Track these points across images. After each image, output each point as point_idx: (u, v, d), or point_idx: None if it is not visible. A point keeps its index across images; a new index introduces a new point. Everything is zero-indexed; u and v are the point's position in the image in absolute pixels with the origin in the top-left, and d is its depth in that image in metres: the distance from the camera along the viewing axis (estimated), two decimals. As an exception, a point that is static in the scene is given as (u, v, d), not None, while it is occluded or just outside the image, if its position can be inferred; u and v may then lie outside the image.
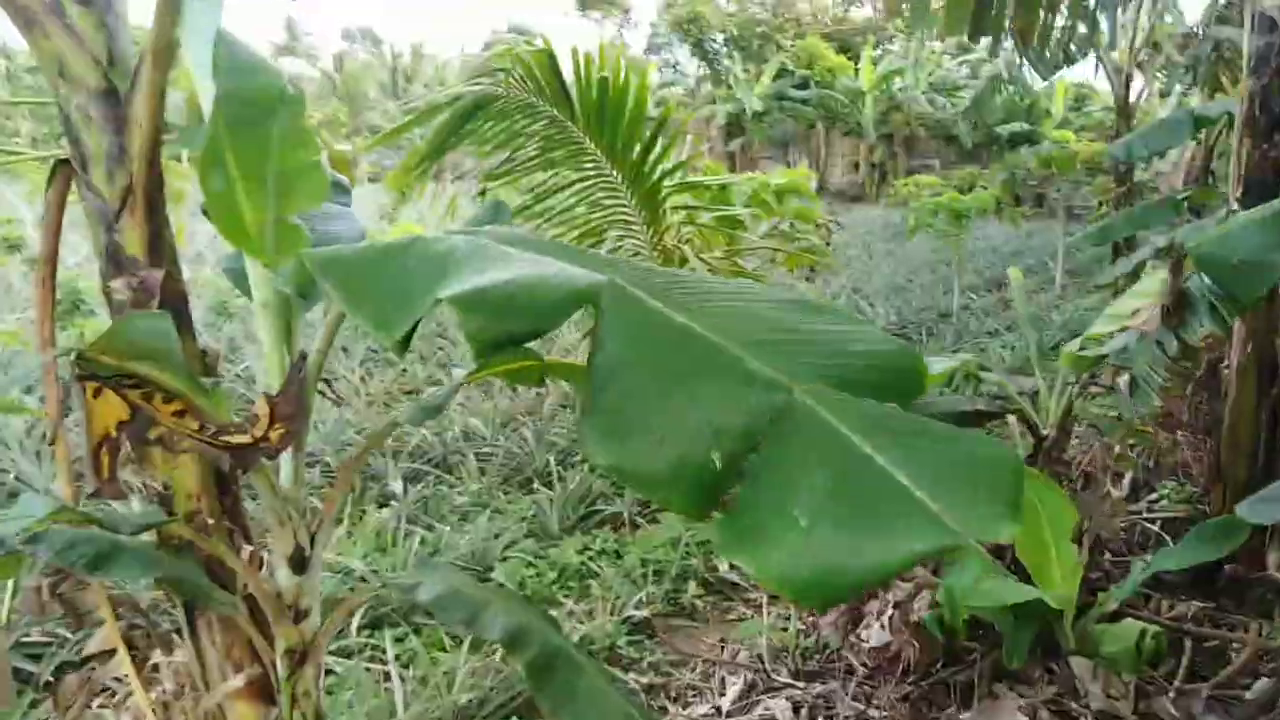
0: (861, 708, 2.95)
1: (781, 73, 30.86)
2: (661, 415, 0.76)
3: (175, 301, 1.77)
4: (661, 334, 0.84)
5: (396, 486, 5.73)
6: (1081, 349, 3.12)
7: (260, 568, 1.93)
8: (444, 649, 3.94)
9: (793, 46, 32.45)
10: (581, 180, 5.65)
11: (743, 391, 0.76)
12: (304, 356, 1.53)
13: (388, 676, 3.63)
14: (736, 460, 0.72)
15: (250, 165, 1.56)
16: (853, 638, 3.17)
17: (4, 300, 11.16)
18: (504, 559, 4.88)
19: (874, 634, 2.93)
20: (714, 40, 34.59)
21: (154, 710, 1.92)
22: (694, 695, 3.58)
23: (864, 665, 2.99)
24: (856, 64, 30.99)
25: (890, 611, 2.94)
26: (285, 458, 1.66)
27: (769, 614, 4.26)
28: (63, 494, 1.81)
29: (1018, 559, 2.84)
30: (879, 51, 32.20)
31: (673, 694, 3.66)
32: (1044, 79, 7.28)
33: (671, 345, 0.82)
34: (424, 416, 1.79)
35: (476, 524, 5.16)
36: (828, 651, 3.47)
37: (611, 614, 4.28)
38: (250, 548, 1.90)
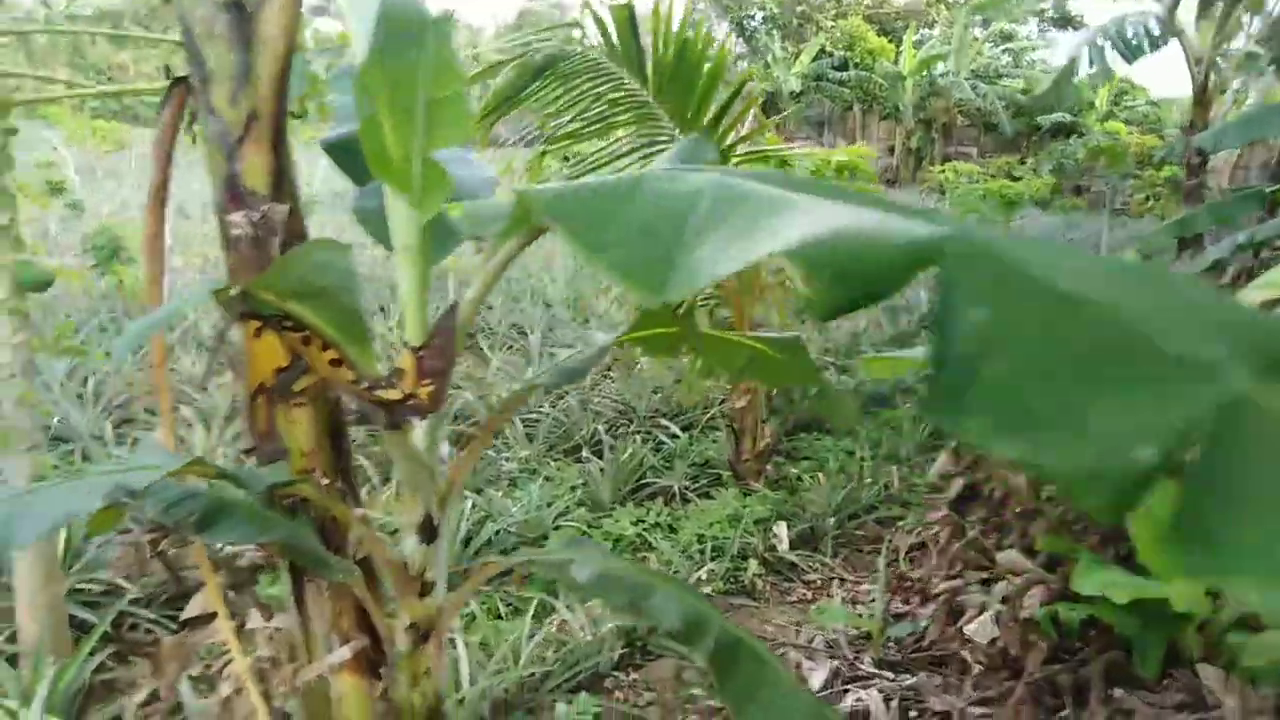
0: (960, 704, 2.82)
1: (821, 53, 30.36)
2: (1071, 405, 0.61)
3: (297, 242, 1.63)
4: (1034, 299, 0.68)
5: (443, 449, 5.59)
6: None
7: (367, 532, 1.80)
8: (500, 616, 3.84)
9: (833, 27, 31.92)
10: (648, 145, 5.47)
11: (1168, 377, 0.61)
12: (454, 306, 1.39)
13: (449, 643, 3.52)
14: (1170, 462, 0.57)
15: (399, 92, 1.40)
16: (950, 630, 3.03)
17: (41, 245, 11.08)
18: (557, 527, 4.77)
19: (981, 629, 2.78)
20: (753, 18, 34.06)
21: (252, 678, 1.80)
22: (764, 681, 3.45)
23: (979, 662, 2.84)
24: (897, 48, 30.45)
25: (998, 606, 2.79)
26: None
27: (837, 599, 4.13)
28: (164, 441, 1.68)
29: (1135, 558, 2.70)
30: (920, 36, 31.64)
31: (740, 678, 3.54)
32: (1129, 63, 7.02)
33: (1052, 314, 0.66)
34: (564, 380, 1.65)
35: (528, 491, 5.04)
36: (911, 641, 3.33)
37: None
38: (362, 511, 1.77)
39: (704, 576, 4.31)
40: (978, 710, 2.75)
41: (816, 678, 3.07)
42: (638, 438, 6.07)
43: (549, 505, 4.95)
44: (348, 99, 1.83)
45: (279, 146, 1.59)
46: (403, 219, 1.47)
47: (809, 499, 5.22)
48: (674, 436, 6.20)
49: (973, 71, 29.15)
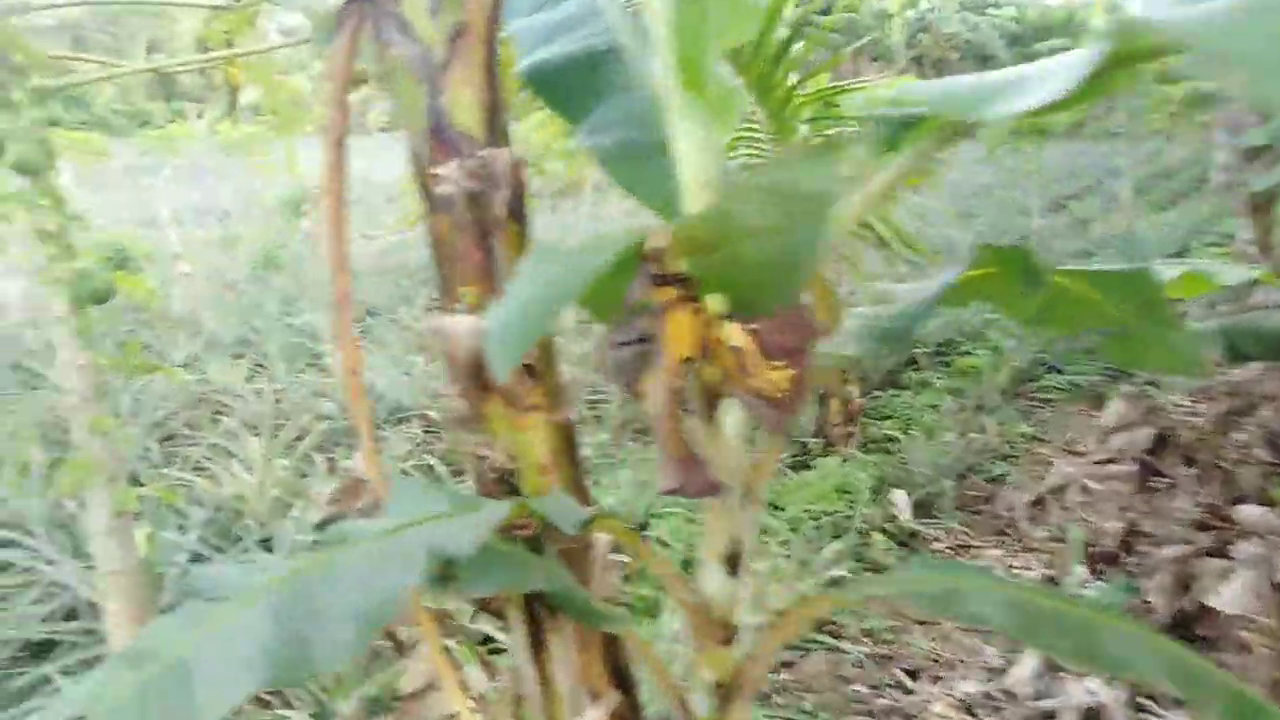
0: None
1: (803, -1, 29.66)
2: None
3: (518, 200, 1.25)
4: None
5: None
6: None
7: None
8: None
9: (811, -29, 31.17)
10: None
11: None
12: (795, 258, 1.00)
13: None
14: None
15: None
16: (1183, 603, 2.69)
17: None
18: (656, 514, 4.41)
19: (1229, 598, 2.43)
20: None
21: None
22: (942, 668, 3.10)
23: (1266, 643, 2.50)
24: (881, -15, 29.79)
25: (1244, 573, 2.45)
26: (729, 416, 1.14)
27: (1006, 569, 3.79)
28: (365, 470, 1.31)
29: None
30: (903, -28, 30.94)
31: (908, 666, 3.19)
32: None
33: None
34: (885, 343, 1.27)
35: (615, 479, 4.67)
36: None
37: (800, 576, 3.80)
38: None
39: (830, 557, 3.96)
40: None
41: (1023, 668, 2.73)
42: (715, 410, 5.69)
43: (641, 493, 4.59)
44: (532, 21, 1.42)
45: (492, 73, 1.20)
46: (697, 145, 1.08)
47: (913, 460, 4.88)
48: (747, 405, 5.83)
49: (961, 4, 28.48)
